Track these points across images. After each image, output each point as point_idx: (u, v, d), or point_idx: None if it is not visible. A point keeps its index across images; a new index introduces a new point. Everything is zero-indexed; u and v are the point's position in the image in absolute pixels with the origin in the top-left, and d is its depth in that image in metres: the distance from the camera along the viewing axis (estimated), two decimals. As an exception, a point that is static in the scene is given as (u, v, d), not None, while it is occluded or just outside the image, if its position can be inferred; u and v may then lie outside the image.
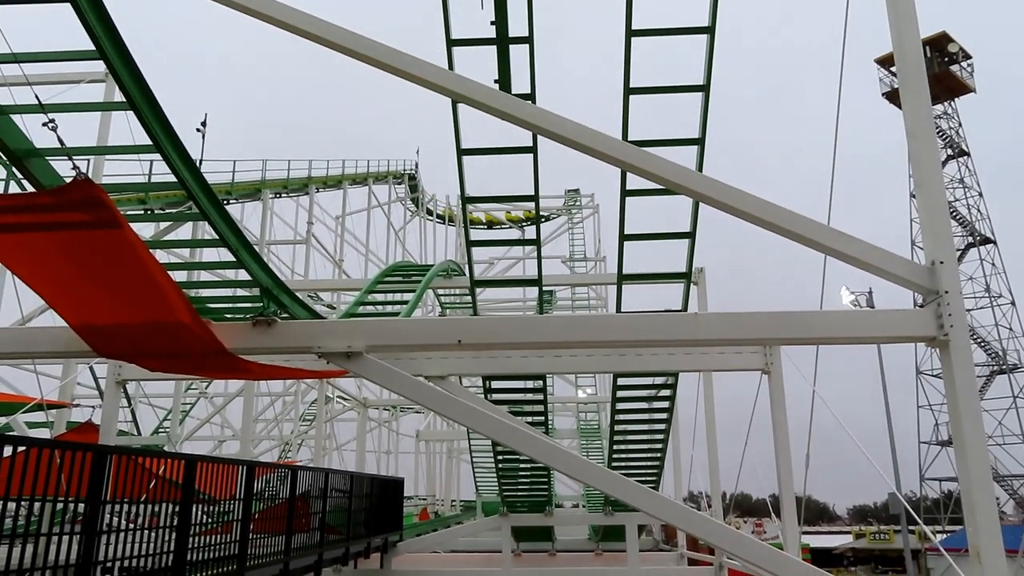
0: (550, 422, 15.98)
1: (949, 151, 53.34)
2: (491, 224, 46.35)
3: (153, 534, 6.34)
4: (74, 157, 4.94)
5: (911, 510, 9.68)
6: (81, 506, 5.34)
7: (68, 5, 4.20)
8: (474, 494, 31.13)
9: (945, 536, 34.08)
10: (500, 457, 15.34)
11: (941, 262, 5.61)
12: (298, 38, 6.02)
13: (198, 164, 5.62)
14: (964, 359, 5.41)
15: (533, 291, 34.55)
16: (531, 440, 6.19)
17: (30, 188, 5.46)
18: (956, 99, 53.79)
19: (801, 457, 10.22)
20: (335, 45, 6.08)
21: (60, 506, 5.13)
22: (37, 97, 4.30)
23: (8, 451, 4.55)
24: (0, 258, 5.52)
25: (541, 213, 10.22)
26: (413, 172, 45.21)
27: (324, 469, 12.03)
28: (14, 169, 15.11)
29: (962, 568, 6.38)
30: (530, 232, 43.06)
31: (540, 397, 14.07)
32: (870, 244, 5.91)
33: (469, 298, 20.63)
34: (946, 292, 5.53)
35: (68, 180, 4.73)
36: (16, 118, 5.11)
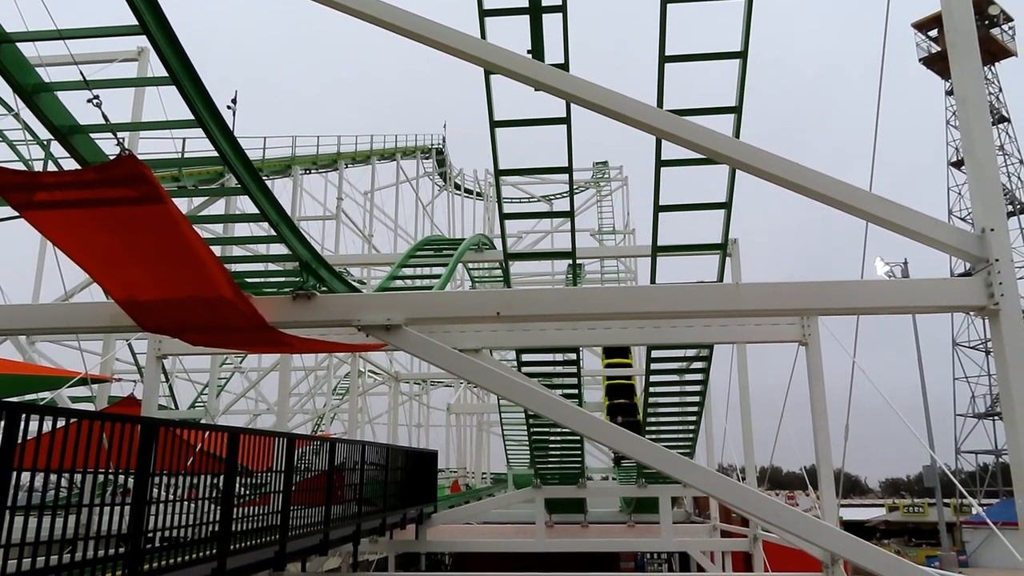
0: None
1: (989, 117, 51.86)
2: None
3: (197, 505, 6.47)
4: (116, 133, 4.98)
5: (954, 480, 9.56)
6: (125, 477, 5.44)
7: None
8: (504, 467, 31.35)
9: (983, 509, 33.69)
10: (533, 430, 15.40)
11: (992, 229, 5.48)
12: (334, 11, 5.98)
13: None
14: (1015, 329, 5.28)
15: (561, 265, 34.66)
16: (571, 412, 6.19)
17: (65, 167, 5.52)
18: (996, 63, 52.23)
19: (835, 429, 10.13)
20: (368, 16, 6.03)
21: (108, 478, 5.25)
22: (82, 74, 4.32)
23: (61, 423, 4.64)
24: (48, 235, 5.62)
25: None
26: (441, 147, 45.09)
27: (361, 441, 12.17)
28: (51, 149, 15.38)
29: (1008, 539, 6.31)
30: (559, 205, 42.86)
31: (572, 370, 14.05)
32: (916, 211, 5.78)
33: (499, 272, 20.68)
34: (996, 260, 5.40)
35: (112, 157, 4.77)
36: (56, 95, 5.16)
